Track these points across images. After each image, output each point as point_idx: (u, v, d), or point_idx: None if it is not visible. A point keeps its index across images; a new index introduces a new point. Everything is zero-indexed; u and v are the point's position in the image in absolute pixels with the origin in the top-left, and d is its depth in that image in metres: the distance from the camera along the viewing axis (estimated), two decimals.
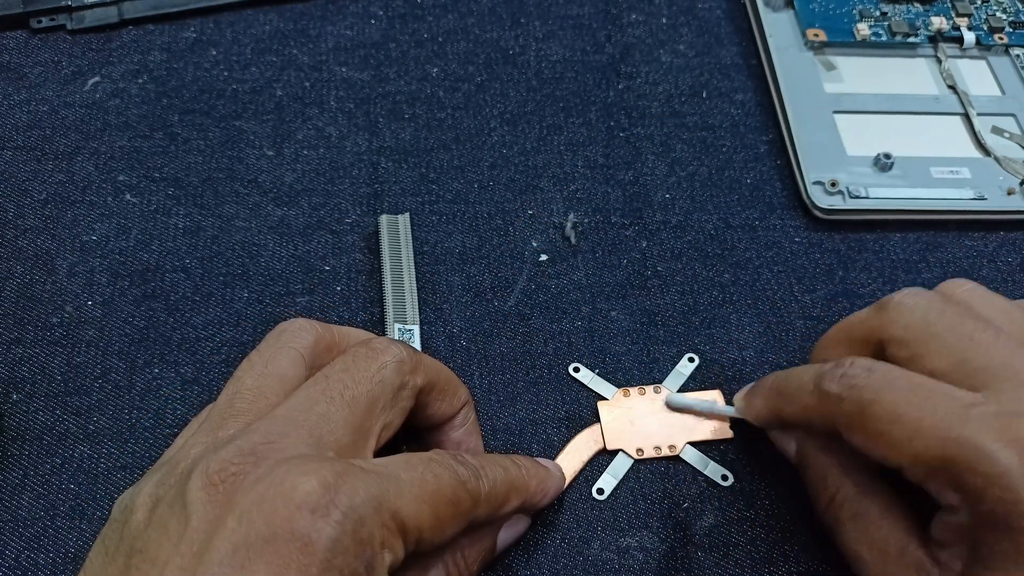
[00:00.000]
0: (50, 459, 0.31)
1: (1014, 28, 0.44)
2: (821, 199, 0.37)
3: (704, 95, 0.42)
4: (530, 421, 0.32)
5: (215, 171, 0.38)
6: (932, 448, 0.23)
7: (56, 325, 0.34)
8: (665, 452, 0.32)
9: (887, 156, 0.38)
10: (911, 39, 0.43)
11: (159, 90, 0.40)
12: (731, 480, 0.31)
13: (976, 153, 0.40)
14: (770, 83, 0.42)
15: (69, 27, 0.42)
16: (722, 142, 0.40)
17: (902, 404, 0.24)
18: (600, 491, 0.31)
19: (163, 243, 0.36)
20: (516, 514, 0.28)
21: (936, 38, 0.43)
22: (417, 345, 0.33)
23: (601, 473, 0.31)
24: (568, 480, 0.31)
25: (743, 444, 0.32)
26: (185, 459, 0.23)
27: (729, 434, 0.32)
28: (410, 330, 0.33)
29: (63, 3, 0.42)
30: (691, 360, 0.34)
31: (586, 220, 0.38)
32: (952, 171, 0.39)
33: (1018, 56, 0.43)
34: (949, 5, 0.44)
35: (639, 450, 0.32)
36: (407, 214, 0.36)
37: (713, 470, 0.31)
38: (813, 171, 0.38)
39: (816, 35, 0.43)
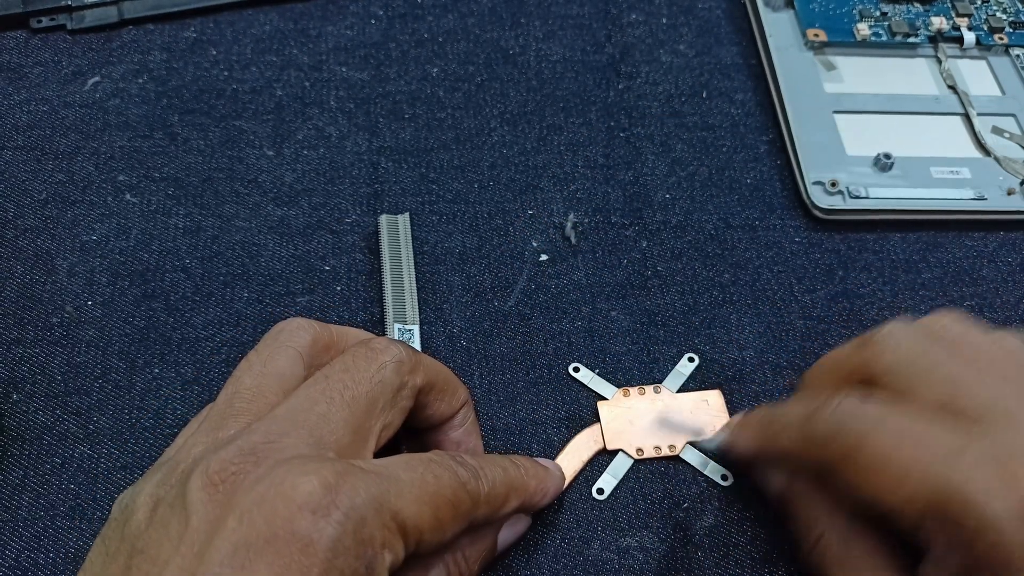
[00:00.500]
0: (50, 459, 0.31)
1: (1014, 28, 0.44)
2: (821, 199, 0.37)
3: (704, 95, 0.42)
4: (530, 421, 0.32)
5: (215, 171, 0.38)
6: (922, 492, 0.23)
7: (56, 325, 0.34)
8: (665, 452, 0.32)
9: (887, 156, 0.38)
10: (911, 39, 0.43)
11: (159, 90, 0.40)
12: (731, 480, 0.31)
13: (976, 153, 0.40)
14: (770, 83, 0.42)
15: (69, 27, 0.42)
16: (722, 142, 0.40)
17: (891, 447, 0.24)
18: (600, 491, 0.31)
19: (163, 243, 0.36)
20: (516, 514, 0.28)
21: (936, 38, 0.43)
22: (417, 345, 0.33)
23: (601, 473, 0.31)
24: (568, 480, 0.31)
25: None
26: (185, 459, 0.23)
27: None
28: (410, 330, 0.33)
29: (63, 3, 0.42)
30: (691, 360, 0.34)
31: (586, 220, 0.38)
32: (952, 171, 0.39)
33: (1018, 56, 0.43)
34: (949, 5, 0.44)
35: (639, 450, 0.32)
36: (407, 214, 0.37)
37: (713, 470, 0.32)
38: (813, 171, 0.38)
39: (816, 35, 0.43)
